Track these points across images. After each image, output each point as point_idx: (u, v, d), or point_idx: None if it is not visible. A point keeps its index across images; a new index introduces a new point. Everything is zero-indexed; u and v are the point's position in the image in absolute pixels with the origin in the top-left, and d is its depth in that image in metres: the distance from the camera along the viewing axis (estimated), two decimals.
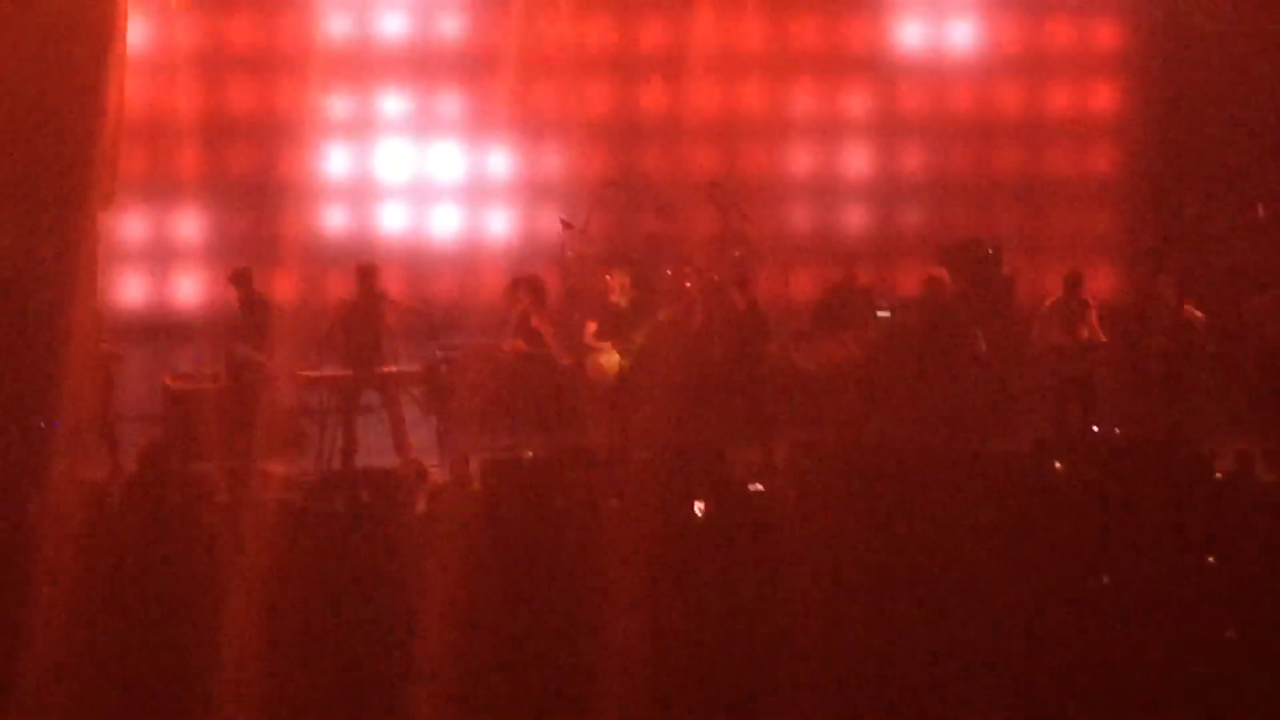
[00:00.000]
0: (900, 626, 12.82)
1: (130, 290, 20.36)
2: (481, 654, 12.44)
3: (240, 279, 18.14)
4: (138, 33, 19.26)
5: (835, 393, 18.61)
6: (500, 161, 20.73)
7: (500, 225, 20.88)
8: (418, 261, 20.29)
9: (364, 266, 18.28)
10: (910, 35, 21.35)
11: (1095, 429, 17.90)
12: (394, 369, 17.96)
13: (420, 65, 20.79)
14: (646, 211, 20.32)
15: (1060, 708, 12.71)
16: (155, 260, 20.46)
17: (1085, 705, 12.69)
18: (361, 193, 20.63)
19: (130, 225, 20.13)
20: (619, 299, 18.38)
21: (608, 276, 18.79)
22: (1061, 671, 12.76)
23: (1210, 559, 13.28)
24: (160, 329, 19.80)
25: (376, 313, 18.01)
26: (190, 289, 20.41)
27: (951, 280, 18.53)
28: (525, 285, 18.47)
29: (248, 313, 18.01)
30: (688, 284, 19.35)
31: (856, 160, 21.37)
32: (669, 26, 21.23)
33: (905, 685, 12.65)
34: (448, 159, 20.87)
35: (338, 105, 20.42)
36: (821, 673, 12.58)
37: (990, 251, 19.74)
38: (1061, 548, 13.26)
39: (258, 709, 12.11)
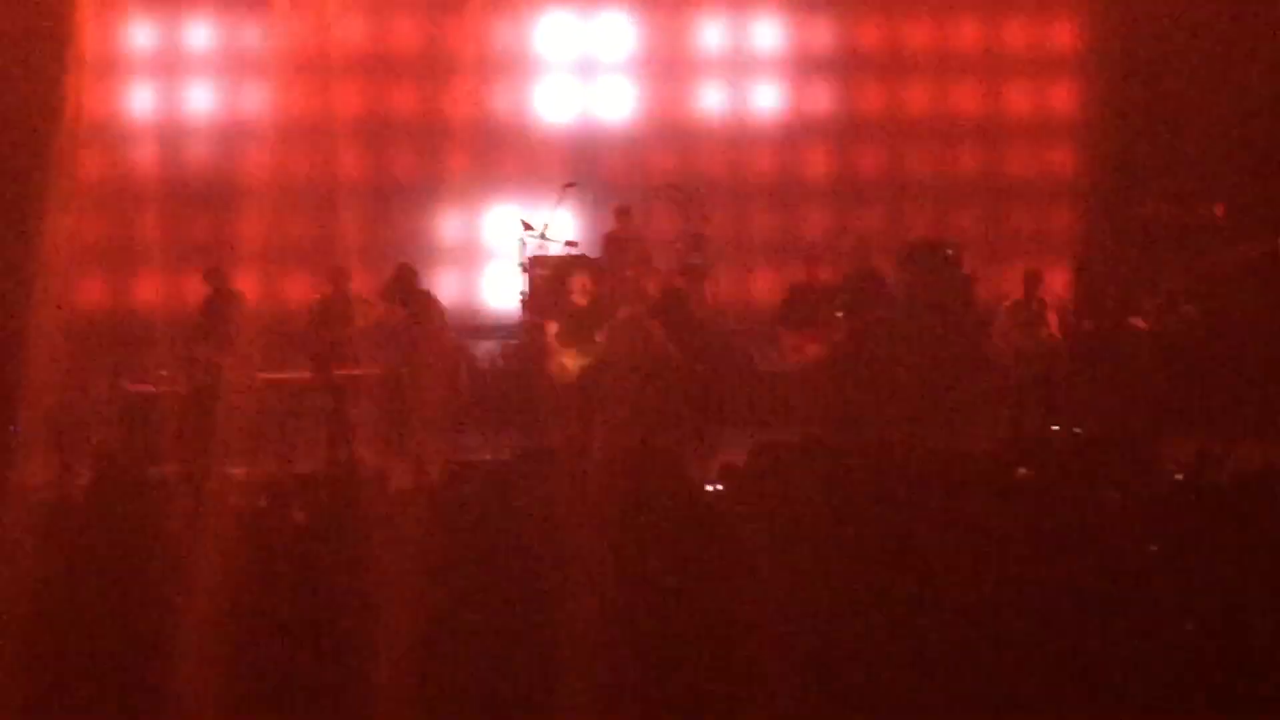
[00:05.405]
0: (862, 628, 12.82)
1: (90, 292, 20.32)
2: (440, 656, 12.43)
3: (209, 278, 18.17)
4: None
5: (798, 393, 18.67)
6: (464, 162, 20.75)
7: (463, 227, 20.94)
8: (387, 263, 20.26)
9: (335, 268, 18.41)
10: (868, 35, 21.45)
11: (1055, 428, 17.96)
12: (355, 372, 17.96)
13: (373, 66, 20.84)
14: (606, 212, 20.36)
15: (1024, 707, 12.73)
16: (116, 261, 20.43)
17: (1047, 704, 12.72)
18: (327, 194, 20.61)
19: (91, 225, 20.08)
20: (579, 299, 18.40)
21: (568, 277, 18.82)
22: (1023, 670, 12.77)
23: (1168, 557, 13.33)
24: (120, 331, 19.73)
25: (347, 315, 18.07)
26: (151, 290, 20.36)
27: (910, 280, 18.62)
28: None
29: (210, 314, 18.02)
30: (648, 284, 19.38)
31: (816, 160, 21.44)
32: (635, 29, 21.34)
33: (867, 687, 12.65)
34: (412, 159, 20.89)
35: (298, 106, 20.40)
36: (783, 674, 12.59)
37: (949, 252, 19.79)
38: (1023, 546, 13.29)
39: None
